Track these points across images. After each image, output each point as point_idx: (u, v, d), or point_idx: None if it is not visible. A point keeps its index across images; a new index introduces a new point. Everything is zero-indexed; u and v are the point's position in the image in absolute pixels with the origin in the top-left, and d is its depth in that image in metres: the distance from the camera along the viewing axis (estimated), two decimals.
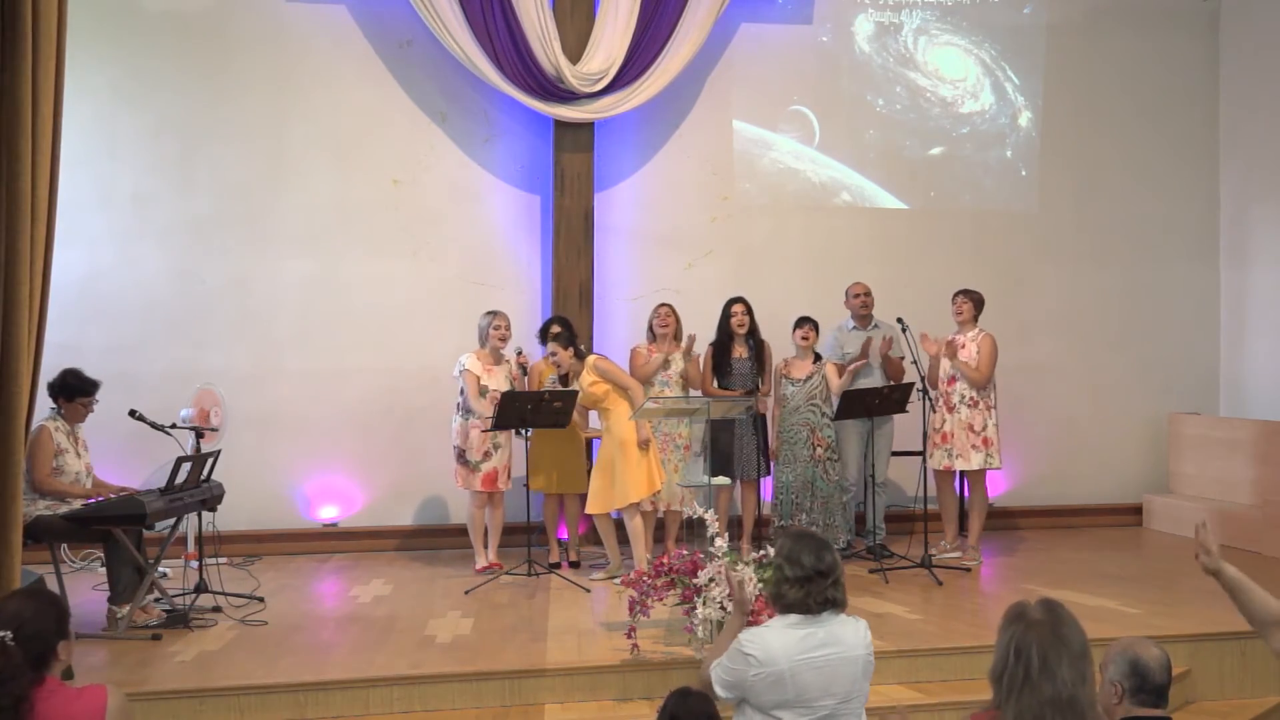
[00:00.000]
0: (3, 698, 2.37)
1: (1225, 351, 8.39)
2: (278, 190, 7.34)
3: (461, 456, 6.38)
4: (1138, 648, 2.72)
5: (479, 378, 6.35)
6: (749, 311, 6.75)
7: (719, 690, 3.05)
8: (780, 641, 2.93)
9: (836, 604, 3.00)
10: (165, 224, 7.22)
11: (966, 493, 6.89)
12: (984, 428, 6.51)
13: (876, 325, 6.94)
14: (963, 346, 6.60)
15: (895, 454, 6.99)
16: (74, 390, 5.46)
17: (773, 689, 2.90)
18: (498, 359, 6.46)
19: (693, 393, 6.69)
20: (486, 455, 6.35)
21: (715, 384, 6.71)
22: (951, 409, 6.54)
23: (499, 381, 6.36)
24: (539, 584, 6.09)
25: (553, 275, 7.33)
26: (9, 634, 2.44)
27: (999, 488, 7.97)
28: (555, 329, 6.37)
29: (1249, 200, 8.21)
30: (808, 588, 2.95)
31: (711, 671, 3.08)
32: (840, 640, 2.97)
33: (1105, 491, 8.16)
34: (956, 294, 6.77)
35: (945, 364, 6.58)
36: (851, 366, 6.57)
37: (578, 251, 7.33)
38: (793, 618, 2.98)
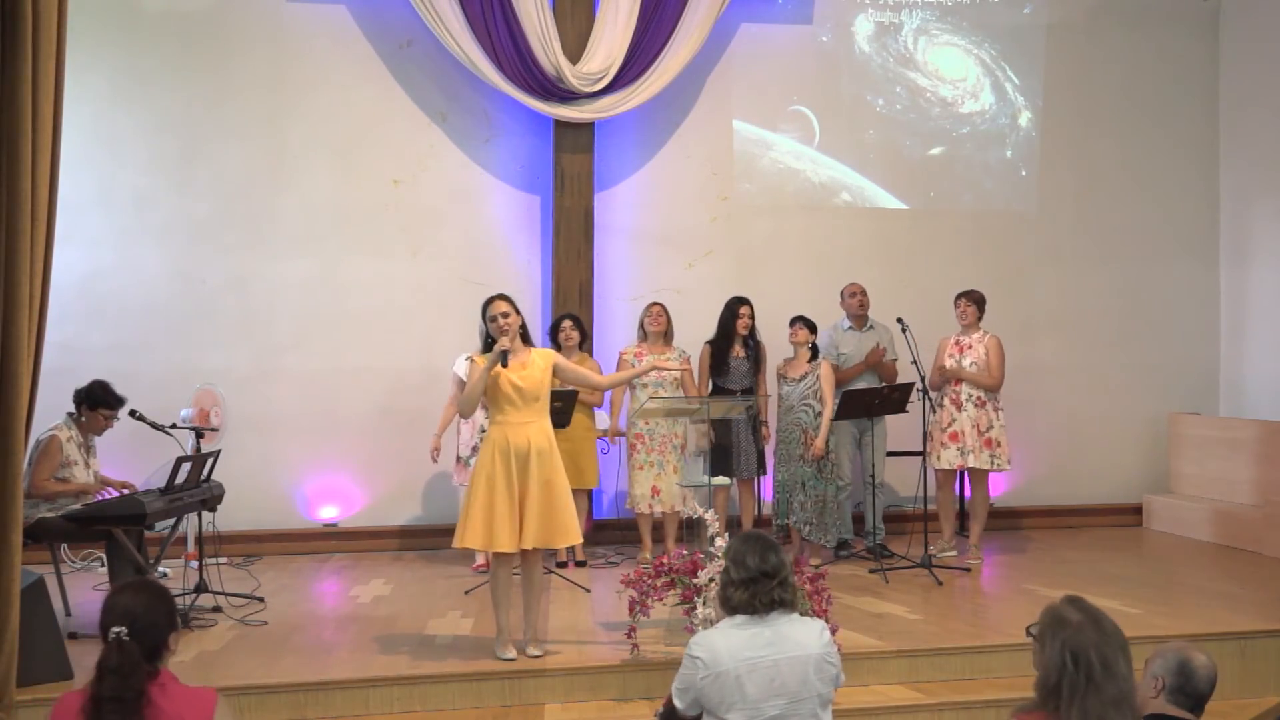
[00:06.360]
0: (124, 692, 2.41)
1: (1225, 351, 8.38)
2: (278, 190, 7.34)
3: (457, 454, 6.49)
4: (1190, 651, 2.73)
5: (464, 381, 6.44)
6: (753, 313, 6.75)
7: (678, 702, 3.01)
8: (725, 643, 2.91)
9: (784, 605, 2.96)
10: (165, 224, 7.23)
11: (968, 493, 6.89)
12: (989, 428, 6.47)
13: (872, 325, 6.93)
14: (969, 348, 6.57)
15: (891, 454, 6.99)
16: (98, 400, 5.50)
17: (719, 691, 2.86)
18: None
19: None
20: (475, 450, 6.37)
21: (710, 384, 6.70)
22: (960, 407, 6.50)
23: None
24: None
25: (553, 275, 7.33)
26: (124, 629, 2.48)
27: (1000, 488, 7.96)
28: (568, 323, 6.57)
29: (1249, 200, 8.20)
30: (753, 589, 2.93)
31: (673, 686, 3.05)
32: (790, 640, 2.92)
33: (1105, 491, 8.15)
34: (959, 296, 6.70)
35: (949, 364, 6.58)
36: (848, 371, 6.79)
37: (578, 251, 7.33)
38: (739, 618, 2.95)
